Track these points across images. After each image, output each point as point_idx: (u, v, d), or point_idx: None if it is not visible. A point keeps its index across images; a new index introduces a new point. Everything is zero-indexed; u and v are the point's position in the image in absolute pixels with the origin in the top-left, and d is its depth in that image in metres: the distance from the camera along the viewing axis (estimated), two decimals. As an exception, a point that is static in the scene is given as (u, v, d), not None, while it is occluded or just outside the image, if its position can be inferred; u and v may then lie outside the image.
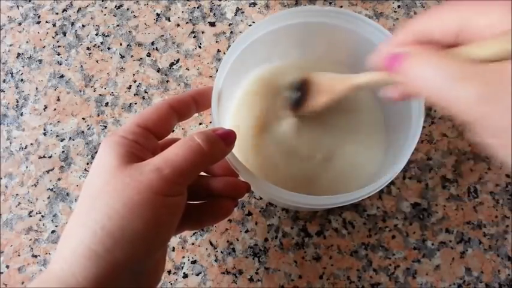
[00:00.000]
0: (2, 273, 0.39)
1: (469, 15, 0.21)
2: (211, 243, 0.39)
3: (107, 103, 0.44)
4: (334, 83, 0.34)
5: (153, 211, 0.24)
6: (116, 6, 0.48)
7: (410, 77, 0.22)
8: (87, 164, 0.42)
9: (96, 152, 0.28)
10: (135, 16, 0.48)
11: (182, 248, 0.39)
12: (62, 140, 0.43)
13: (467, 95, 0.19)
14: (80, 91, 0.45)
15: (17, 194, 0.41)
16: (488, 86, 0.18)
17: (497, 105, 0.18)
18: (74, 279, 0.23)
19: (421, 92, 0.22)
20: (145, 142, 0.28)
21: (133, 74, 0.45)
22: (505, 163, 0.20)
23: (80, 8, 0.48)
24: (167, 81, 0.45)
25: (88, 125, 0.44)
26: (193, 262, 0.39)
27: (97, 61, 0.46)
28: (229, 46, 0.46)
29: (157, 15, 0.48)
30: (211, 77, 0.45)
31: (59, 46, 0.47)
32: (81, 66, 0.46)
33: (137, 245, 0.24)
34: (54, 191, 0.41)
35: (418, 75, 0.22)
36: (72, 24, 0.48)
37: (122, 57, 0.46)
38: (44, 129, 0.44)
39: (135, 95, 0.45)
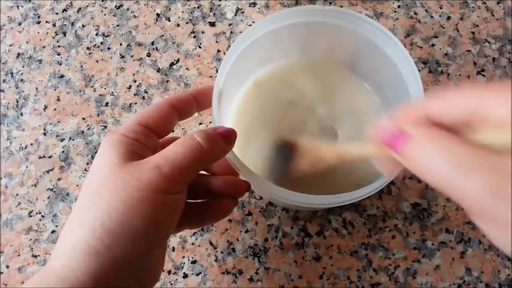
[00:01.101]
0: (2, 273, 0.39)
1: (484, 100, 0.20)
2: (211, 243, 0.39)
3: (107, 103, 0.44)
4: (322, 151, 0.31)
5: (152, 209, 0.24)
6: (116, 6, 0.48)
7: (412, 160, 0.21)
8: (87, 164, 0.42)
9: (96, 152, 0.28)
10: (135, 16, 0.48)
11: (182, 248, 0.39)
12: (62, 140, 0.43)
13: (474, 186, 0.18)
14: (80, 91, 0.45)
15: (17, 194, 0.41)
16: (498, 178, 0.17)
17: (504, 197, 0.17)
18: (73, 275, 0.23)
19: (423, 175, 0.20)
20: (146, 140, 0.28)
21: (133, 74, 0.45)
22: (502, 250, 0.19)
23: (80, 8, 0.49)
24: (167, 81, 0.45)
25: (88, 125, 0.44)
26: (193, 262, 0.39)
27: (97, 61, 0.46)
28: (229, 46, 0.46)
29: (157, 15, 0.48)
30: (211, 77, 0.45)
31: (59, 46, 0.47)
32: (81, 66, 0.46)
33: (136, 242, 0.24)
34: (54, 191, 0.41)
35: (421, 160, 0.20)
36: (72, 24, 0.48)
37: (122, 57, 0.46)
38: (44, 129, 0.44)
39: (135, 95, 0.45)
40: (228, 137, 0.28)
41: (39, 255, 0.39)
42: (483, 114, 0.20)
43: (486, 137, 0.19)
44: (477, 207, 0.18)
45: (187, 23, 0.47)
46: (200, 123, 0.43)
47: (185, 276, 0.38)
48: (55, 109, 0.44)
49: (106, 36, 0.47)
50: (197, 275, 0.38)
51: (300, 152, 0.33)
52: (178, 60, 0.46)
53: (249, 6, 0.48)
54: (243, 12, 0.48)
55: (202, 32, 0.47)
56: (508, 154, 0.18)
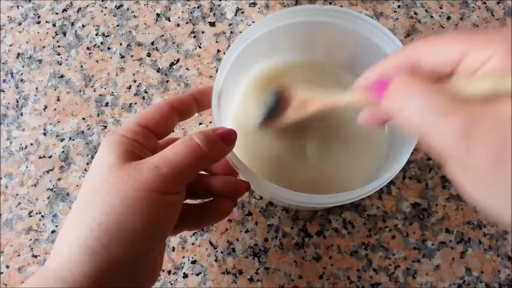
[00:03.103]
0: (2, 273, 0.39)
1: (468, 49, 0.20)
2: (211, 243, 0.39)
3: (107, 103, 0.44)
4: (313, 98, 0.32)
5: (150, 208, 0.24)
6: (116, 6, 0.48)
7: (390, 105, 0.21)
8: (87, 164, 0.42)
9: (96, 152, 0.28)
10: (135, 16, 0.48)
11: (182, 248, 0.39)
12: (62, 140, 0.43)
13: (448, 130, 0.18)
14: (80, 91, 0.45)
15: (17, 194, 0.41)
16: (470, 123, 0.17)
17: (477, 143, 0.17)
18: (71, 274, 0.23)
19: (401, 121, 0.21)
20: (145, 141, 0.28)
21: (134, 74, 0.45)
22: (474, 203, 0.19)
23: (80, 8, 0.49)
24: (167, 81, 0.45)
25: (88, 125, 0.44)
26: (193, 262, 0.39)
27: (97, 61, 0.46)
28: (229, 46, 0.46)
29: (157, 15, 0.48)
30: (211, 77, 0.45)
31: (59, 46, 0.47)
32: (81, 66, 0.46)
33: (134, 242, 0.24)
34: (54, 191, 0.41)
35: (399, 104, 0.21)
36: (72, 24, 0.48)
37: (122, 57, 0.46)
38: (44, 129, 0.44)
39: (135, 95, 0.45)
40: (227, 137, 0.28)
41: (39, 255, 0.39)
42: (466, 65, 0.20)
43: (465, 86, 0.19)
44: (450, 154, 0.18)
45: (187, 23, 0.47)
46: (200, 123, 0.43)
47: (185, 276, 0.38)
48: (55, 109, 0.44)
49: (106, 36, 0.47)
50: (197, 275, 0.38)
51: (291, 100, 0.33)
52: (178, 60, 0.46)
53: (249, 6, 0.48)
54: (243, 12, 0.48)
55: (202, 32, 0.47)
56: (482, 102, 0.18)
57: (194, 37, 0.47)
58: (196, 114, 0.42)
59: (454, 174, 0.19)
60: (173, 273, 0.38)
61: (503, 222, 0.18)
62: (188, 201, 0.33)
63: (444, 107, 0.19)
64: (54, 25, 0.48)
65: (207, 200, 0.33)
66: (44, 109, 0.44)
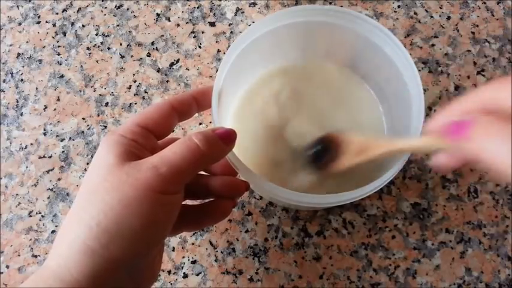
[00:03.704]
0: (2, 273, 0.39)
1: None
2: (211, 243, 0.39)
3: (107, 103, 0.44)
4: (368, 145, 0.32)
5: (149, 208, 0.24)
6: (116, 6, 0.48)
7: (476, 147, 0.21)
8: (87, 164, 0.42)
9: (96, 152, 0.28)
10: (135, 16, 0.48)
11: (182, 248, 0.39)
12: (62, 140, 0.43)
13: None
14: (80, 91, 0.45)
15: (17, 194, 0.41)
16: None
17: None
18: (70, 274, 0.23)
19: (487, 163, 0.20)
20: (144, 141, 0.28)
21: (134, 74, 0.45)
22: None
23: (80, 8, 0.49)
24: (167, 81, 0.45)
25: (88, 125, 0.44)
26: (193, 262, 0.39)
27: (97, 61, 0.46)
28: (229, 46, 0.46)
29: (157, 15, 0.48)
30: (211, 77, 0.45)
31: (59, 46, 0.47)
32: (81, 66, 0.46)
33: (133, 242, 0.24)
34: (54, 191, 0.41)
35: (485, 146, 0.20)
36: (72, 24, 0.48)
37: (122, 57, 0.46)
38: (44, 129, 0.44)
39: (135, 95, 0.45)
40: (227, 137, 0.28)
41: (39, 255, 0.39)
42: None
43: None
44: None
45: (187, 23, 0.47)
46: (200, 123, 0.43)
47: (185, 276, 0.38)
48: (55, 109, 0.44)
49: (106, 36, 0.47)
50: (197, 275, 0.38)
51: (342, 148, 0.33)
52: (178, 60, 0.46)
53: (249, 6, 0.48)
54: (243, 12, 0.48)
55: (202, 32, 0.47)
56: None
57: (194, 37, 0.47)
58: (196, 114, 0.42)
59: None
60: (173, 273, 0.38)
61: None
62: (188, 201, 0.33)
63: None
64: (54, 25, 0.48)
65: (206, 200, 0.33)
66: (44, 109, 0.44)
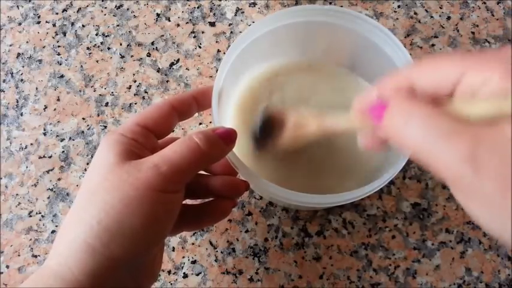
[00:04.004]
0: (2, 273, 0.39)
1: (466, 70, 0.20)
2: (211, 243, 0.39)
3: (107, 103, 0.44)
4: (307, 120, 0.31)
5: (150, 207, 0.24)
6: (116, 6, 0.48)
7: (390, 129, 0.21)
8: (87, 164, 0.42)
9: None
10: (135, 16, 0.48)
11: (182, 248, 0.39)
12: (62, 140, 0.43)
13: (451, 153, 0.17)
14: (80, 91, 0.45)
15: (17, 194, 0.41)
16: (475, 145, 0.17)
17: (483, 166, 0.17)
18: (71, 273, 0.23)
19: (401, 144, 0.20)
20: (144, 141, 0.28)
21: (134, 74, 0.45)
22: (482, 227, 0.18)
23: (80, 8, 0.49)
24: (167, 81, 0.45)
25: (88, 125, 0.44)
26: (193, 262, 0.39)
27: (97, 61, 0.46)
28: (229, 46, 0.46)
29: (157, 15, 0.48)
30: (211, 77, 0.45)
31: (59, 46, 0.47)
32: (81, 66, 0.46)
33: (134, 241, 0.24)
34: (54, 191, 0.41)
35: (399, 128, 0.20)
36: (72, 24, 0.48)
37: (122, 57, 0.46)
38: (44, 129, 0.44)
39: (135, 95, 0.45)
40: (227, 137, 0.28)
41: (39, 255, 0.39)
42: (462, 86, 0.20)
43: (465, 108, 0.19)
44: (455, 177, 0.18)
45: (187, 23, 0.47)
46: (200, 123, 0.43)
47: (185, 276, 0.38)
48: (55, 109, 0.44)
49: (106, 36, 0.47)
50: (197, 275, 0.38)
51: (286, 124, 0.32)
52: (178, 60, 0.46)
53: (249, 6, 0.48)
54: (243, 12, 0.48)
55: (202, 32, 0.47)
56: (484, 124, 0.17)
57: (194, 37, 0.47)
58: (196, 114, 0.42)
59: (459, 197, 0.18)
60: (173, 273, 0.38)
61: (506, 243, 0.18)
62: (188, 201, 0.33)
63: (447, 128, 0.18)
64: (54, 25, 0.48)
65: (206, 200, 0.33)
66: (44, 109, 0.44)
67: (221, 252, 0.39)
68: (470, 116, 0.19)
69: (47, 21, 0.48)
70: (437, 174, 0.19)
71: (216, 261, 0.39)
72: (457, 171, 0.17)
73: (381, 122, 0.21)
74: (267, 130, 0.34)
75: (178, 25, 0.47)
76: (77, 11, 0.48)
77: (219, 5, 0.48)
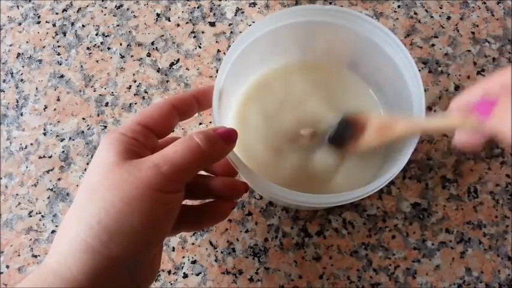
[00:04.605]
0: (2, 273, 0.39)
1: None
2: (211, 243, 0.39)
3: (107, 103, 0.44)
4: (395, 123, 0.32)
5: (150, 207, 0.24)
6: (116, 6, 0.48)
7: (500, 124, 0.22)
8: (87, 164, 0.42)
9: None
10: (135, 16, 0.48)
11: (182, 248, 0.39)
12: (62, 140, 0.43)
13: None
14: (80, 91, 0.45)
15: (17, 194, 0.41)
16: None
17: None
18: (70, 272, 0.23)
19: (506, 138, 0.21)
20: (145, 140, 0.28)
21: (134, 74, 0.45)
22: None
23: (80, 8, 0.49)
24: (167, 81, 0.45)
25: (88, 125, 0.44)
26: (193, 262, 0.39)
27: (97, 61, 0.46)
28: (229, 46, 0.46)
29: (157, 15, 0.48)
30: (211, 77, 0.45)
31: (59, 46, 0.47)
32: (81, 66, 0.46)
33: (133, 240, 0.24)
34: (54, 191, 0.41)
35: (505, 122, 0.21)
36: (72, 24, 0.48)
37: (122, 57, 0.46)
38: (44, 129, 0.44)
39: (135, 95, 0.45)
40: (228, 137, 0.28)
41: (39, 255, 0.39)
42: None
43: None
44: None
45: (187, 23, 0.47)
46: (200, 123, 0.43)
47: (185, 276, 0.38)
48: (55, 109, 0.44)
49: (106, 36, 0.47)
50: (197, 275, 0.38)
51: (365, 128, 0.33)
52: (178, 60, 0.46)
53: (249, 6, 0.48)
54: (243, 12, 0.48)
55: (202, 32, 0.47)
56: None
57: (194, 37, 0.47)
58: (196, 114, 0.42)
59: None
60: (173, 273, 0.38)
61: None
62: (187, 202, 0.33)
63: None
64: (54, 25, 0.48)
65: (206, 201, 0.33)
66: (44, 109, 0.44)
67: (221, 252, 0.39)
68: None
69: (47, 21, 0.48)
70: None
71: (216, 261, 0.39)
72: None
73: (488, 118, 0.23)
74: (344, 132, 0.35)
75: (178, 25, 0.47)
76: (77, 11, 0.48)
77: (219, 5, 0.48)
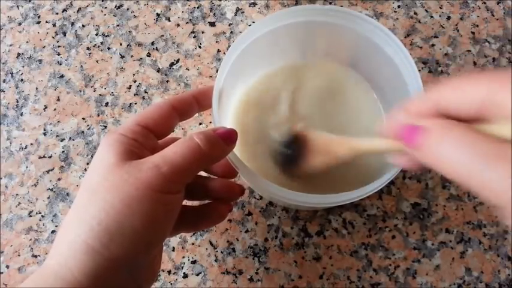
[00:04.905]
0: (2, 273, 0.39)
1: (495, 89, 0.19)
2: (211, 243, 0.39)
3: (107, 103, 0.44)
4: (333, 145, 0.31)
5: (150, 207, 0.24)
6: (116, 6, 0.48)
7: (430, 154, 0.20)
8: (87, 164, 0.42)
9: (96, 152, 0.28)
10: (135, 16, 0.48)
11: (182, 248, 0.39)
12: (62, 140, 0.43)
13: (500, 177, 0.17)
14: (80, 91, 0.45)
15: (17, 194, 0.41)
16: None
17: None
18: (70, 273, 0.23)
19: (439, 167, 0.20)
20: (145, 141, 0.28)
21: (134, 74, 0.45)
22: None
23: (80, 8, 0.49)
24: (167, 81, 0.45)
25: (88, 125, 0.44)
26: (193, 262, 0.39)
27: (97, 61, 0.46)
28: (229, 46, 0.46)
29: (157, 15, 0.48)
30: (211, 77, 0.45)
31: (59, 46, 0.47)
32: (81, 66, 0.46)
33: (134, 241, 0.24)
34: (54, 191, 0.41)
35: (440, 153, 0.19)
36: (72, 24, 0.48)
37: (122, 57, 0.46)
38: (44, 129, 0.44)
39: (135, 95, 0.45)
40: (228, 137, 0.28)
41: (39, 255, 0.39)
42: (493, 106, 0.19)
43: (497, 129, 0.19)
44: (503, 199, 0.17)
45: (187, 23, 0.47)
46: (200, 124, 0.43)
47: (185, 276, 0.38)
48: (55, 109, 0.44)
49: (106, 36, 0.47)
50: (197, 275, 0.38)
51: (311, 147, 0.32)
52: (178, 60, 0.46)
53: (249, 6, 0.48)
54: (243, 12, 0.48)
55: (202, 32, 0.47)
56: None
57: (194, 37, 0.47)
58: (196, 114, 0.42)
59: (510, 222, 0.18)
60: (173, 273, 0.38)
61: None
62: (187, 202, 0.33)
63: (492, 151, 0.18)
64: (54, 25, 0.48)
65: (204, 202, 0.33)
66: (44, 109, 0.44)
67: (221, 252, 0.39)
68: (504, 136, 0.18)
69: (47, 21, 0.48)
70: (482, 195, 0.18)
71: (216, 261, 0.39)
72: (506, 193, 0.17)
73: (414, 146, 0.21)
74: (291, 152, 0.34)
75: (178, 25, 0.47)
76: (77, 11, 0.48)
77: (219, 5, 0.48)
